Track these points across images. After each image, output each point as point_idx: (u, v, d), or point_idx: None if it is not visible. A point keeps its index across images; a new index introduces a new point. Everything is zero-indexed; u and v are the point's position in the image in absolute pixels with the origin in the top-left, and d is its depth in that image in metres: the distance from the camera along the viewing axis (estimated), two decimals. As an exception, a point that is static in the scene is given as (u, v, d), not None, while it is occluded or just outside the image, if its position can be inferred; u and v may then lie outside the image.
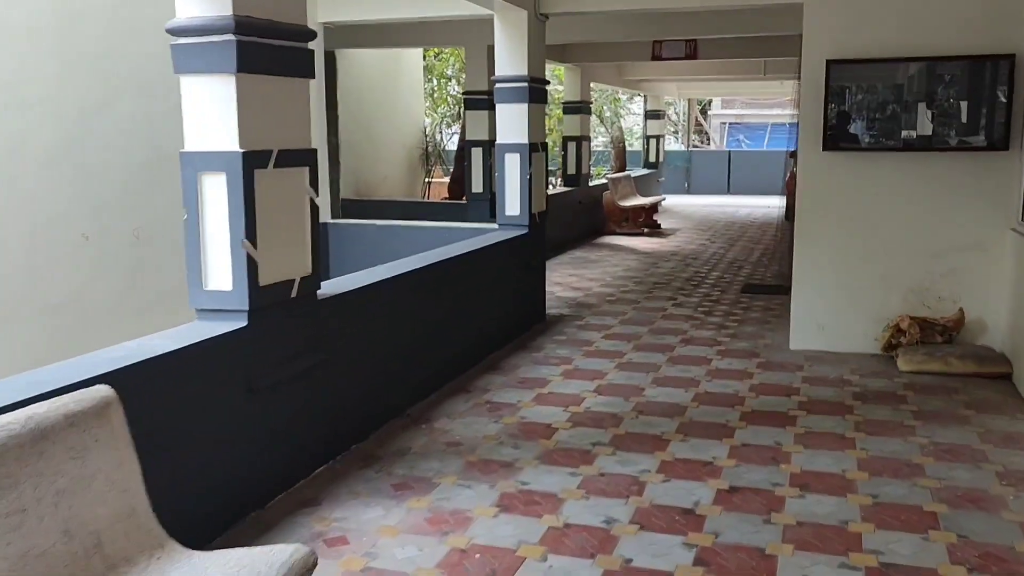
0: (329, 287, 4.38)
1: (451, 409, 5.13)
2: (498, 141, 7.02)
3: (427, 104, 16.10)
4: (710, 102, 34.14)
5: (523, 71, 6.85)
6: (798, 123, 8.81)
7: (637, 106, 23.09)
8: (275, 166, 3.71)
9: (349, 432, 4.50)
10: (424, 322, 5.37)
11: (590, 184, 13.90)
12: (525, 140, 6.92)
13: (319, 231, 4.04)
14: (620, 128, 19.01)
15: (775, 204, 18.81)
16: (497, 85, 6.95)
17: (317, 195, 4.02)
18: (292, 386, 3.94)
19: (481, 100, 10.39)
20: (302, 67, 3.88)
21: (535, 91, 6.97)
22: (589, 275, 10.04)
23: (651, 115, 18.98)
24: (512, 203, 7.02)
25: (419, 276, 5.25)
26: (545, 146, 7.31)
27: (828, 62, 6.05)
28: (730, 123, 36.04)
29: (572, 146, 13.02)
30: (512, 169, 6.97)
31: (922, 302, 6.15)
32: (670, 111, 29.62)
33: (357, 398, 4.56)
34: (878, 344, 6.17)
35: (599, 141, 22.15)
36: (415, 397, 5.22)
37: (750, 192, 22.40)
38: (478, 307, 6.19)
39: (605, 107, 18.50)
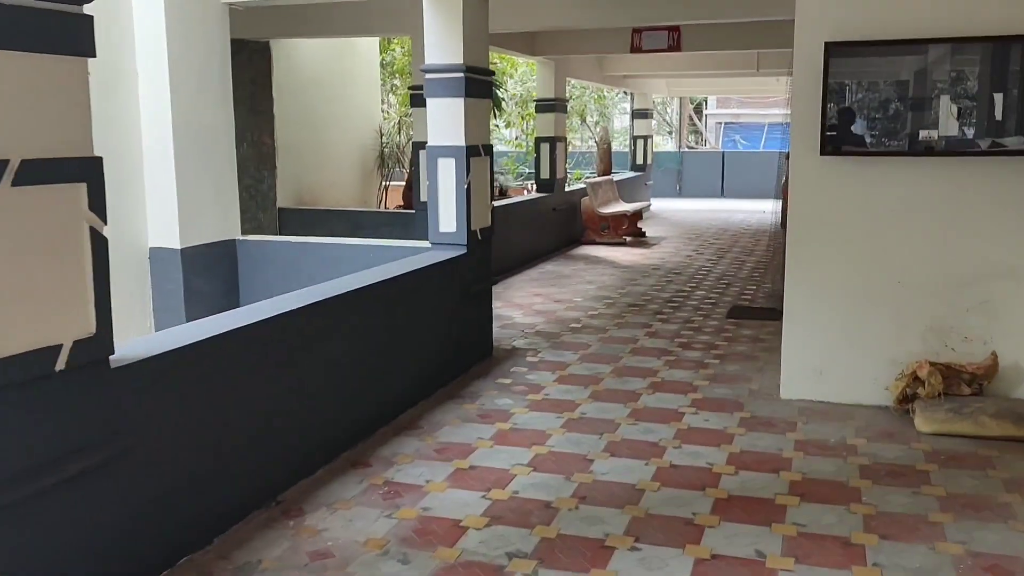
0: (134, 348, 3.18)
1: (337, 494, 3.94)
2: (429, 143, 5.83)
3: (390, 102, 14.94)
4: (705, 101, 33.00)
5: (458, 59, 5.67)
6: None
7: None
8: (15, 183, 2.53)
9: (180, 539, 3.31)
10: (311, 375, 4.18)
11: (567, 189, 12.71)
12: (461, 142, 5.73)
13: (107, 272, 2.85)
14: (605, 128, 17.81)
15: (770, 209, 17.66)
16: (427, 76, 5.76)
17: (104, 222, 2.84)
18: (61, 495, 2.74)
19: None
20: (66, 40, 2.69)
21: (474, 83, 5.78)
22: (557, 294, 8.85)
23: (638, 114, 17.78)
24: (447, 218, 5.83)
25: (297, 318, 4.06)
26: (489, 149, 6.11)
27: (827, 45, 4.86)
28: (726, 123, 34.90)
29: (546, 148, 11.83)
30: (446, 177, 5.78)
31: (944, 343, 4.95)
32: (664, 111, 28.47)
33: (192, 491, 3.37)
34: (890, 395, 4.98)
35: (586, 142, 20.99)
36: (293, 476, 4.03)
37: (745, 196, 21.23)
38: (395, 350, 5.00)
39: (590, 106, 17.29)
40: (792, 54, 5.12)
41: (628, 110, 18.93)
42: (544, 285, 9.40)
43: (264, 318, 3.82)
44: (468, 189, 5.76)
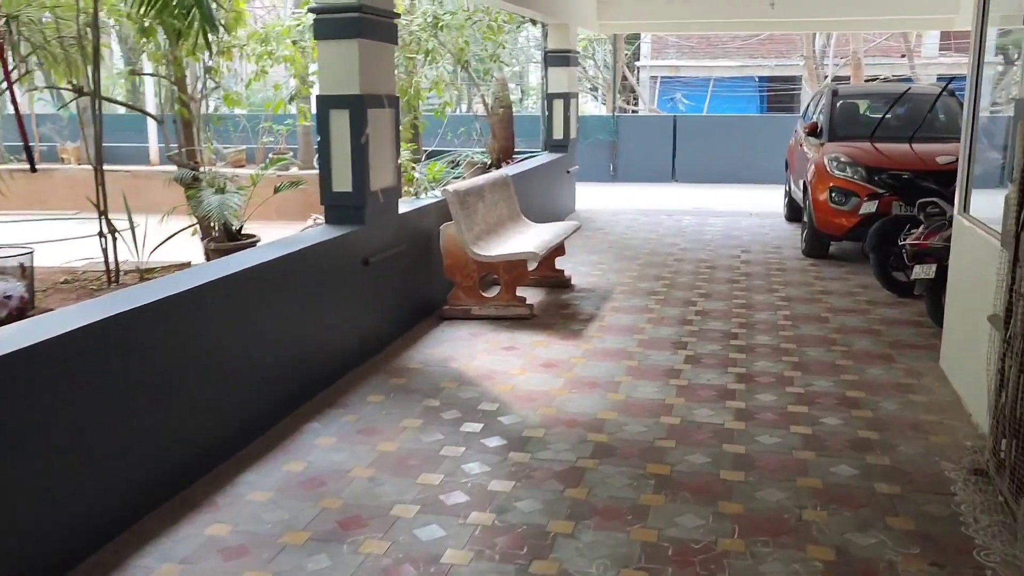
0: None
1: None
2: None
3: None
4: (637, 50, 26.56)
5: None
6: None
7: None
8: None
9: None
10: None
11: (406, 209, 6.03)
12: None
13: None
14: (503, 81, 11.10)
15: (768, 212, 11.30)
16: None
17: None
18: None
19: None
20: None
21: None
22: None
23: (554, 59, 11.06)
24: None
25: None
26: None
27: None
28: (662, 77, 28.56)
29: (340, 120, 5.09)
30: None
31: None
32: (592, 64, 21.87)
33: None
34: None
35: (468, 103, 14.14)
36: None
37: (706, 179, 15.03)
38: None
39: (475, 42, 10.43)
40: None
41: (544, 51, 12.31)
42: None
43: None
44: None
